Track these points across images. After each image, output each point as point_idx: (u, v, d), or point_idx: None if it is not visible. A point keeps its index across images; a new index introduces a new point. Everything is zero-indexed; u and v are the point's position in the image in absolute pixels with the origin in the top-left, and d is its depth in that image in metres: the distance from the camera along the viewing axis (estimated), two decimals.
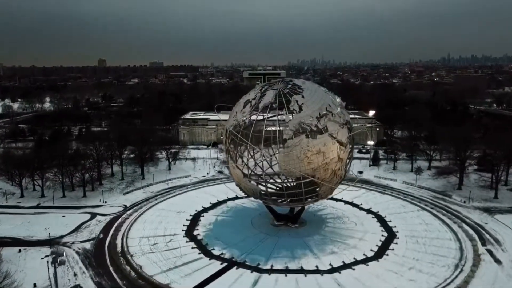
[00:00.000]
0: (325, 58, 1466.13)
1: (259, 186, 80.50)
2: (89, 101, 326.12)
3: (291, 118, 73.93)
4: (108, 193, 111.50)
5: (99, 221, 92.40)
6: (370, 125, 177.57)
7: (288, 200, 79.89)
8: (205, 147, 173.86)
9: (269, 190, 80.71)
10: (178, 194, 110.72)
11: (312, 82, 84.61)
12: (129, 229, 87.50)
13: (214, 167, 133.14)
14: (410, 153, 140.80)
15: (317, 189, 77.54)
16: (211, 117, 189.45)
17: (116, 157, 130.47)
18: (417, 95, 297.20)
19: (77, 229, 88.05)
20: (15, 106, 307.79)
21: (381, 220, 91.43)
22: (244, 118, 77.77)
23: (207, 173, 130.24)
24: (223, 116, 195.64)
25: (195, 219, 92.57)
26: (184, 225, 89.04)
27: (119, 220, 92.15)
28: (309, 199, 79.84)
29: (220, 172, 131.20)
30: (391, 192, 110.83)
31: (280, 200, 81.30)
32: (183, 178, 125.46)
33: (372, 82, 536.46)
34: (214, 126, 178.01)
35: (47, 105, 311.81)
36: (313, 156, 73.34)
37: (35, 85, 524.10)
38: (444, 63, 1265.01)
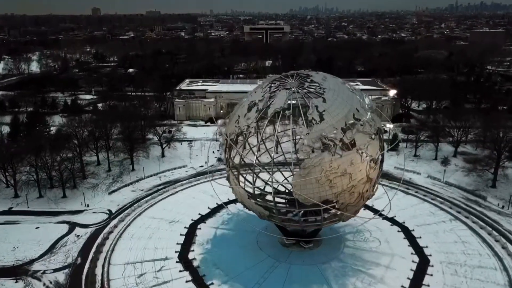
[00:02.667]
0: (328, 5, 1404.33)
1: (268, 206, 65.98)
2: (80, 62, 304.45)
3: (309, 130, 57.96)
4: (92, 191, 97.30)
5: (78, 236, 78.72)
6: (387, 97, 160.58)
7: (302, 220, 65.67)
8: (203, 123, 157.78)
9: (280, 214, 66.09)
10: (171, 194, 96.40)
11: (334, 76, 66.90)
12: (113, 250, 73.98)
13: (213, 152, 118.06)
14: (432, 133, 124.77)
15: (338, 212, 63.16)
16: (210, 88, 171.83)
17: (104, 138, 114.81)
18: (431, 56, 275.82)
19: (51, 248, 74.50)
20: (0, 66, 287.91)
21: (409, 236, 77.68)
22: (249, 127, 61.62)
23: (205, 162, 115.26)
24: (224, 87, 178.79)
25: (190, 234, 78.83)
26: (177, 243, 75.42)
27: (102, 235, 78.39)
28: (328, 222, 65.81)
29: (220, 160, 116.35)
30: (416, 192, 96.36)
31: (294, 224, 67.11)
32: (178, 170, 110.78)
33: (379, 36, 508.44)
34: (212, 100, 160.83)
35: (34, 65, 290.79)
36: (336, 178, 58.11)
37: (25, 40, 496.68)
38: (452, 12, 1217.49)
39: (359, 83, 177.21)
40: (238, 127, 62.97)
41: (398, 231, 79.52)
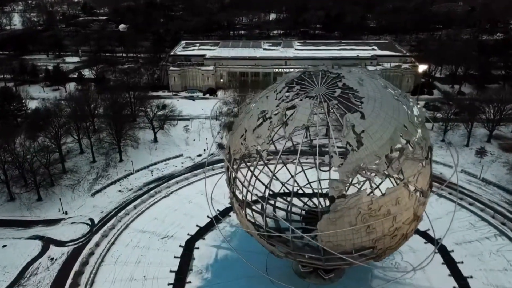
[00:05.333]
0: None
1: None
2: (66, 15, 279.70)
3: (342, 161, 42.87)
4: (72, 192, 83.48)
5: (52, 259, 65.73)
6: (407, 65, 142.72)
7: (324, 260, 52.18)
8: (201, 94, 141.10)
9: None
10: (164, 196, 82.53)
11: (373, 76, 50.66)
12: (93, 282, 61.12)
13: (212, 136, 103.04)
14: (463, 112, 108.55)
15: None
16: (208, 53, 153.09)
17: (87, 120, 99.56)
18: (450, 11, 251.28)
19: (18, 279, 61.75)
20: None
21: (448, 259, 64.74)
22: (259, 148, 46.35)
23: (204, 150, 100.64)
24: (225, 52, 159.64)
25: (186, 257, 65.78)
26: (171, 270, 62.58)
27: (80, 259, 65.23)
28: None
29: (220, 146, 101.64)
30: (450, 193, 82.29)
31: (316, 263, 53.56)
32: (173, 160, 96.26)
33: None
34: (211, 68, 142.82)
35: (17, 19, 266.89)
36: (377, 222, 43.89)
37: None
38: None
39: (375, 47, 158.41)
40: (245, 146, 47.65)
41: (435, 252, 66.39)
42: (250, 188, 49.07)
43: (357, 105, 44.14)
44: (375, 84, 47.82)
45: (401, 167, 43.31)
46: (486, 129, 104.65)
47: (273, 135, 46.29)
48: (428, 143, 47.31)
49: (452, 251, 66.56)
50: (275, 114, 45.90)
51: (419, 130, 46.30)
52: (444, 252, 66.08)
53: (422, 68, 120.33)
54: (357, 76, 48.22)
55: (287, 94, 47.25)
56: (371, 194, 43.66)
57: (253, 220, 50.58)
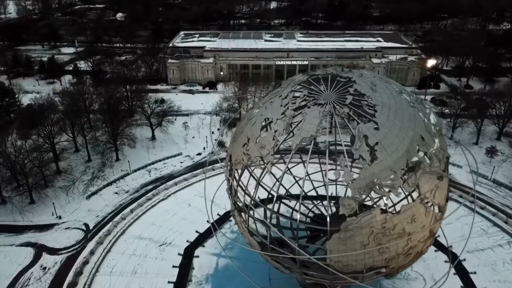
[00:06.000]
0: None
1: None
2: (62, 3, 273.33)
3: (354, 175, 39.35)
4: (66, 194, 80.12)
5: (44, 268, 62.66)
6: (413, 58, 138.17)
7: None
8: (200, 88, 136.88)
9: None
10: (163, 199, 79.18)
11: (386, 79, 46.73)
12: None
13: (212, 133, 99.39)
14: (471, 107, 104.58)
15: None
16: (208, 45, 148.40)
17: (84, 114, 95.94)
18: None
19: None
20: None
21: (460, 270, 61.65)
22: (264, 161, 42.64)
23: (204, 148, 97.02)
24: (225, 43, 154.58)
25: (185, 266, 62.74)
26: (169, 281, 59.57)
27: (74, 269, 62.17)
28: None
29: (221, 144, 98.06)
30: (460, 195, 78.80)
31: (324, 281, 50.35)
32: (171, 159, 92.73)
33: None
34: (211, 60, 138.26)
35: (11, 8, 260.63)
36: (391, 241, 40.50)
37: None
38: None
39: (380, 39, 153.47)
40: (248, 156, 43.98)
41: (446, 261, 63.30)
42: (252, 202, 45.46)
43: (371, 114, 40.44)
44: (389, 90, 43.94)
45: (417, 182, 39.78)
46: (496, 126, 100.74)
47: (279, 146, 42.61)
48: (446, 154, 43.68)
49: (464, 260, 63.39)
50: (280, 121, 42.22)
51: (437, 140, 42.57)
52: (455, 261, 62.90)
53: (431, 63, 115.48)
54: (370, 80, 44.33)
55: (293, 100, 43.47)
56: (387, 214, 39.98)
57: (257, 239, 46.97)
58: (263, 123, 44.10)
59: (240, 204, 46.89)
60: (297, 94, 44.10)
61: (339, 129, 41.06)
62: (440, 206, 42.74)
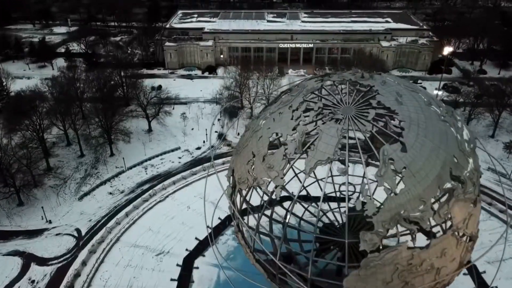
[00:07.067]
0: None
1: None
2: None
3: (378, 204, 34.04)
4: (57, 195, 75.08)
5: (33, 281, 58.27)
6: (424, 40, 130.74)
7: None
8: (199, 72, 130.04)
9: None
10: (160, 201, 74.21)
11: (413, 88, 40.55)
12: None
13: (213, 124, 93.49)
14: (485, 95, 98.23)
15: None
16: (207, 26, 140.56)
17: (76, 103, 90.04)
18: None
19: None
20: None
21: (480, 283, 57.31)
22: (272, 186, 37.20)
23: (203, 142, 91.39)
24: (225, 24, 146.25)
25: (184, 279, 58.39)
26: None
27: (65, 282, 57.64)
28: None
29: (221, 137, 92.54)
30: (488, 203, 73.88)
31: None
32: (169, 154, 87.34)
33: None
34: (210, 43, 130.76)
35: None
36: (417, 278, 35.61)
37: None
38: None
39: (389, 19, 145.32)
40: (254, 177, 38.50)
41: (465, 273, 58.80)
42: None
43: (397, 131, 34.81)
44: (417, 101, 37.98)
45: (449, 211, 34.52)
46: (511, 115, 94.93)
47: (289, 168, 37.07)
48: (480, 174, 38.24)
49: (484, 272, 59.06)
50: (292, 138, 36.63)
51: (471, 160, 37.07)
52: (477, 278, 58.36)
53: (447, 50, 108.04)
54: (394, 89, 38.32)
55: (305, 113, 37.65)
56: (415, 249, 34.99)
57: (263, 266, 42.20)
58: (271, 139, 38.54)
59: (245, 229, 41.79)
60: (310, 105, 38.33)
61: (360, 149, 35.53)
62: (473, 236, 37.67)
